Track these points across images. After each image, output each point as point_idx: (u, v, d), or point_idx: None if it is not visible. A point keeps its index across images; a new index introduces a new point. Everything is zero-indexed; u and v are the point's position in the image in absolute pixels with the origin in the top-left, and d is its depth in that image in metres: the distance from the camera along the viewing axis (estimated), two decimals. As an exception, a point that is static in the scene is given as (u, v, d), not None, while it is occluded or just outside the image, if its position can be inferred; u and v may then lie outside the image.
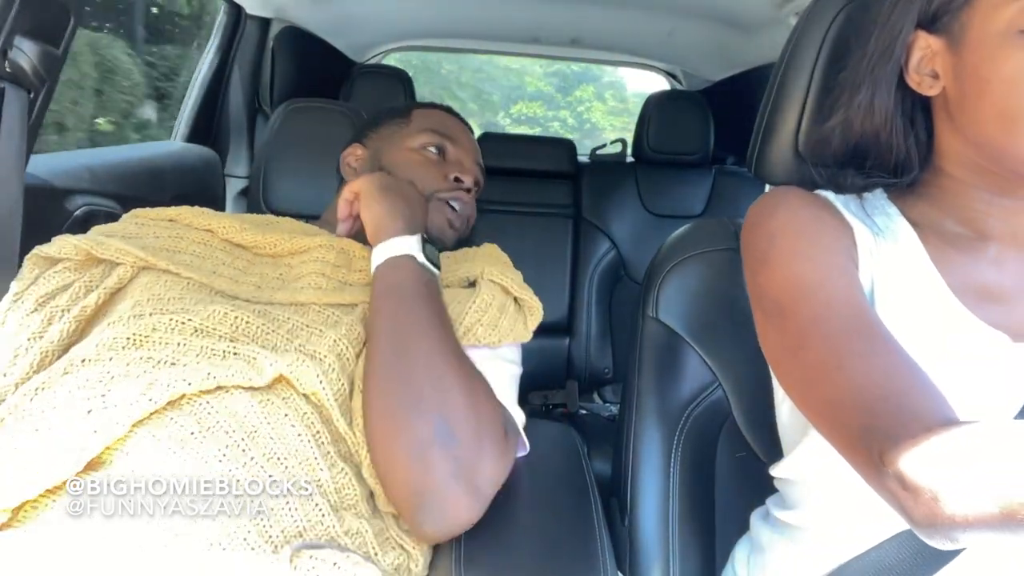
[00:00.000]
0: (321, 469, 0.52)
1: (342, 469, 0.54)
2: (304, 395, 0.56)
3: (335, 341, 0.59)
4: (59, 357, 0.59)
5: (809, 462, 0.57)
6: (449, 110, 0.93)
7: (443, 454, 0.53)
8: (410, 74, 1.82)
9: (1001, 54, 0.45)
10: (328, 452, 0.54)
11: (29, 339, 0.59)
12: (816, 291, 0.48)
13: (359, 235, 0.73)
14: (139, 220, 0.71)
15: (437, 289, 0.64)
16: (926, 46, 0.50)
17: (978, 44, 0.47)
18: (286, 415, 0.53)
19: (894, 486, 0.37)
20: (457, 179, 0.83)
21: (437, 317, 0.61)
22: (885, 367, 0.42)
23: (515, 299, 0.72)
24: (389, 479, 0.55)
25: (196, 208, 0.74)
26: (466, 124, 0.93)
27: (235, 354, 0.56)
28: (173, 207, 0.73)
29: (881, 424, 0.39)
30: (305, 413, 0.55)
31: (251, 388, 0.54)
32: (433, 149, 0.84)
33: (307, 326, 0.61)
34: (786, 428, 0.60)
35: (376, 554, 0.53)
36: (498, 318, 0.67)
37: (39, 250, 0.64)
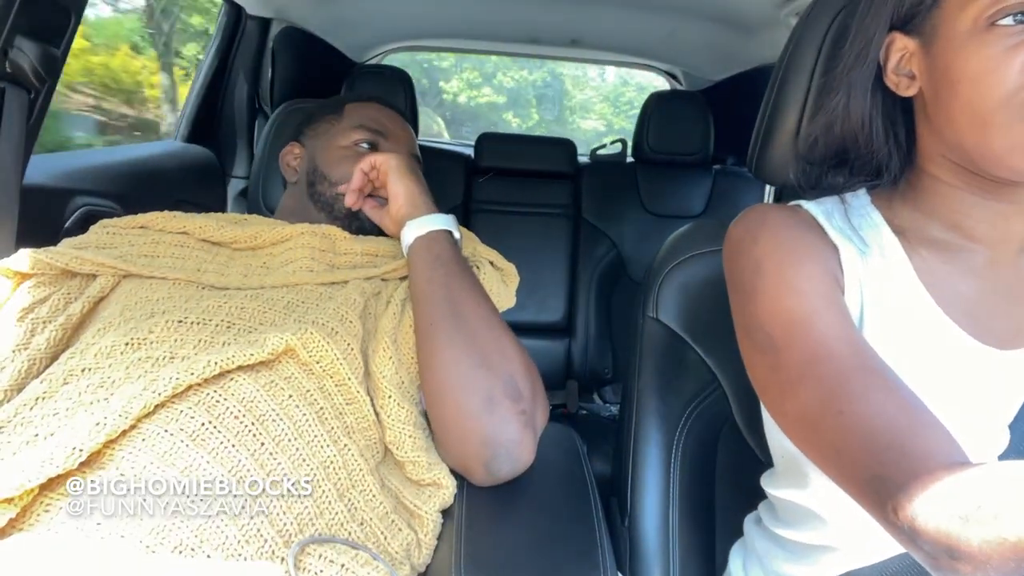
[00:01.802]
0: (327, 446, 0.54)
1: (345, 446, 0.56)
2: (307, 370, 0.57)
3: (335, 309, 0.62)
4: (47, 365, 0.59)
5: (804, 488, 0.56)
6: (383, 101, 0.91)
7: (513, 408, 0.60)
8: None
9: (967, 53, 0.45)
10: (332, 428, 0.56)
11: (14, 351, 0.59)
12: (809, 327, 0.46)
13: (337, 220, 0.78)
14: (110, 229, 0.71)
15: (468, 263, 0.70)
16: (903, 47, 0.50)
17: (947, 44, 0.46)
18: (290, 396, 0.55)
19: (910, 541, 0.37)
20: None
21: (480, 287, 0.67)
22: (887, 407, 0.41)
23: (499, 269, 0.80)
24: (459, 432, 0.59)
25: (167, 212, 0.74)
26: (402, 114, 0.92)
27: (235, 340, 0.56)
28: (141, 215, 0.73)
29: (889, 474, 0.38)
30: (308, 391, 0.56)
31: (255, 373, 0.55)
32: (365, 145, 0.83)
33: (303, 302, 0.64)
34: (775, 444, 0.60)
35: (385, 539, 0.55)
36: (496, 289, 0.74)
37: (7, 263, 0.64)
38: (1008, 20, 0.43)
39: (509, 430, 0.59)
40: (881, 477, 0.39)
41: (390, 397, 0.60)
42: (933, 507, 0.35)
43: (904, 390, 0.42)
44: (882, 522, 0.39)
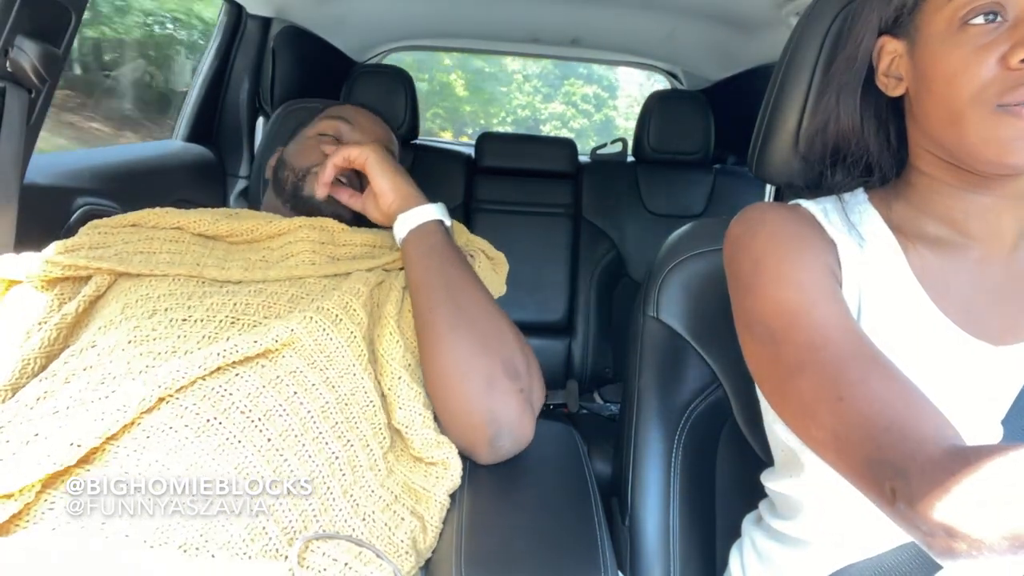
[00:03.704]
0: (332, 440, 0.55)
1: (348, 441, 0.56)
2: (311, 363, 0.57)
3: (339, 297, 0.62)
4: (41, 365, 0.59)
5: (803, 480, 0.56)
6: (361, 104, 0.92)
7: (513, 387, 0.62)
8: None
9: (942, 52, 0.47)
10: (337, 422, 0.56)
11: (8, 351, 0.59)
12: (807, 317, 0.47)
13: (288, 202, 0.80)
14: (101, 229, 0.70)
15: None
16: (893, 50, 0.52)
17: (925, 45, 0.49)
18: (295, 392, 0.55)
19: (909, 521, 0.37)
20: None
21: (474, 273, 0.70)
22: (884, 393, 0.42)
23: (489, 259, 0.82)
24: (463, 413, 0.62)
25: (157, 209, 0.73)
26: (376, 115, 0.92)
27: (239, 335, 0.56)
28: (132, 212, 0.72)
29: (887, 457, 0.39)
30: (313, 384, 0.56)
31: (260, 368, 0.55)
32: (329, 135, 0.84)
33: (307, 294, 0.64)
34: (774, 439, 0.60)
35: (389, 529, 0.55)
36: (489, 278, 0.77)
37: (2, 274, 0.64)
38: (979, 19, 0.45)
39: (510, 409, 0.62)
40: (880, 460, 0.39)
41: (400, 378, 0.61)
42: (931, 488, 0.36)
43: (901, 377, 0.43)
44: (881, 504, 0.40)
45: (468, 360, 0.62)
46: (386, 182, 0.72)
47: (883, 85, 0.54)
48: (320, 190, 0.75)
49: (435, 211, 0.71)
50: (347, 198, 0.77)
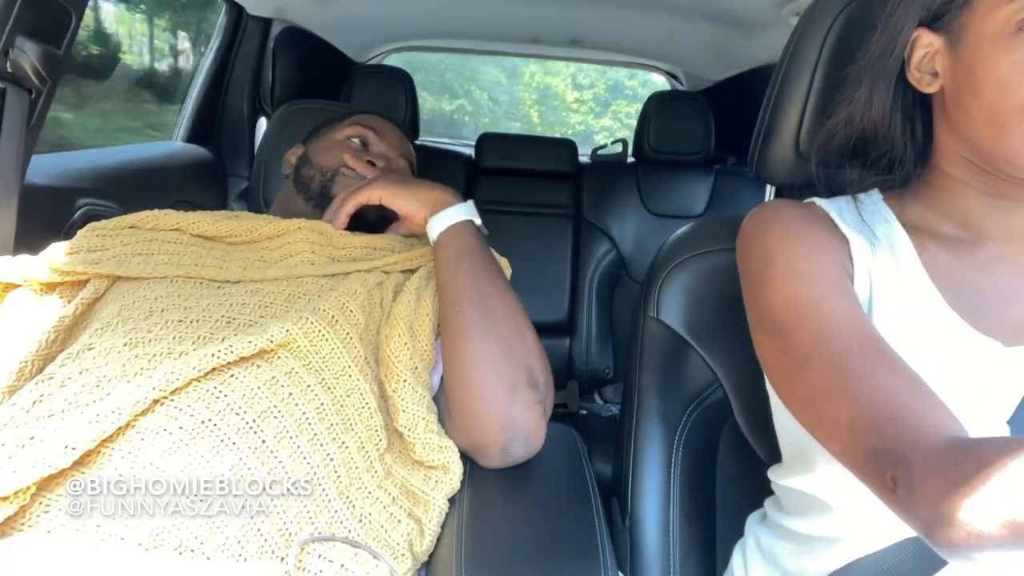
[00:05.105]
0: (327, 443, 0.55)
1: (343, 443, 0.56)
2: (307, 364, 0.57)
3: (336, 298, 0.62)
4: (39, 368, 0.59)
5: (811, 475, 0.56)
6: (385, 115, 0.95)
7: (533, 396, 0.62)
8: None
9: (994, 55, 0.45)
10: (332, 424, 0.56)
11: (4, 355, 0.59)
12: (816, 310, 0.47)
13: (312, 200, 0.82)
14: (99, 232, 0.70)
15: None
16: (928, 44, 0.51)
17: (974, 45, 0.47)
18: (291, 394, 0.55)
19: (909, 511, 0.38)
20: (371, 163, 0.85)
21: (503, 277, 0.69)
22: (890, 385, 0.42)
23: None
24: (481, 416, 0.61)
25: (156, 211, 0.73)
26: (400, 127, 0.95)
27: (235, 334, 0.56)
28: (131, 214, 0.72)
29: (890, 446, 0.39)
30: (309, 385, 0.56)
31: (256, 369, 0.54)
32: (356, 140, 0.86)
33: (304, 294, 0.64)
34: (783, 433, 0.60)
35: (385, 531, 0.55)
36: None
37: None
38: None
39: (529, 418, 0.62)
40: (882, 449, 0.39)
41: (405, 381, 0.61)
42: (932, 478, 0.36)
43: (907, 370, 0.43)
44: (882, 494, 0.40)
45: (491, 364, 0.62)
46: (406, 203, 0.72)
47: (915, 80, 0.52)
48: (338, 223, 0.75)
49: (464, 211, 0.71)
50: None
